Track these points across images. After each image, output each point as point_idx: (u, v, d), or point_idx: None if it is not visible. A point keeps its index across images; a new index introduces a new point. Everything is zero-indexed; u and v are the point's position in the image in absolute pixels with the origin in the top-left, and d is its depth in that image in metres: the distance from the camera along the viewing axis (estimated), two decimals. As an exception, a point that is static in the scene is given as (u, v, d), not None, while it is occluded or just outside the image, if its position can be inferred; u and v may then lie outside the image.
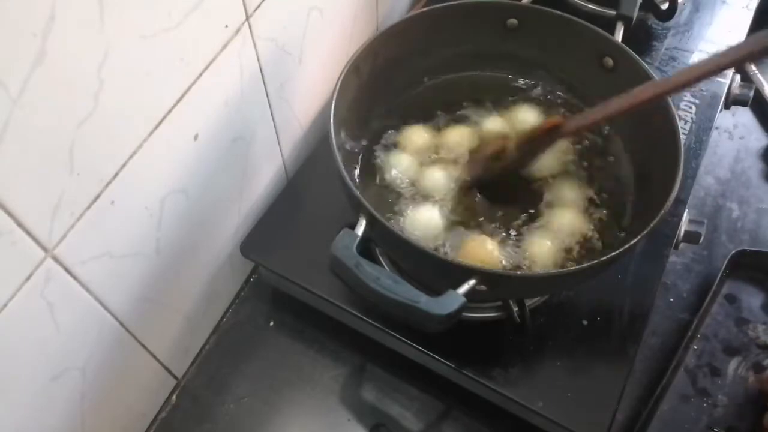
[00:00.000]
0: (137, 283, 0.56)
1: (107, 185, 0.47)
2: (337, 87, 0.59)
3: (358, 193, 0.54)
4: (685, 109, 0.80)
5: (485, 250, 0.60)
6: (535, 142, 0.61)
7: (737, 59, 0.49)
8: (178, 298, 0.64)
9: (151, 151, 0.50)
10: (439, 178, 0.65)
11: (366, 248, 0.52)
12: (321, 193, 0.72)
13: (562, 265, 0.61)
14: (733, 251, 0.78)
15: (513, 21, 0.69)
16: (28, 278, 0.43)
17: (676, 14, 0.85)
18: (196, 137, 0.56)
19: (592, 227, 0.63)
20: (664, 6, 0.85)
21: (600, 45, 0.66)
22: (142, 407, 0.66)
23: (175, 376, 0.69)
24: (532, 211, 0.64)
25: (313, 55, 0.71)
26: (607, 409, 0.59)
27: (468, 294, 0.49)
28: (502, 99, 0.72)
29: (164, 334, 0.64)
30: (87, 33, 0.40)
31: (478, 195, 0.65)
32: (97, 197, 0.46)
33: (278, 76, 0.65)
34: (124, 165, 0.48)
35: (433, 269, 0.55)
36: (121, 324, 0.56)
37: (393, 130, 0.69)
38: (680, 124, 0.59)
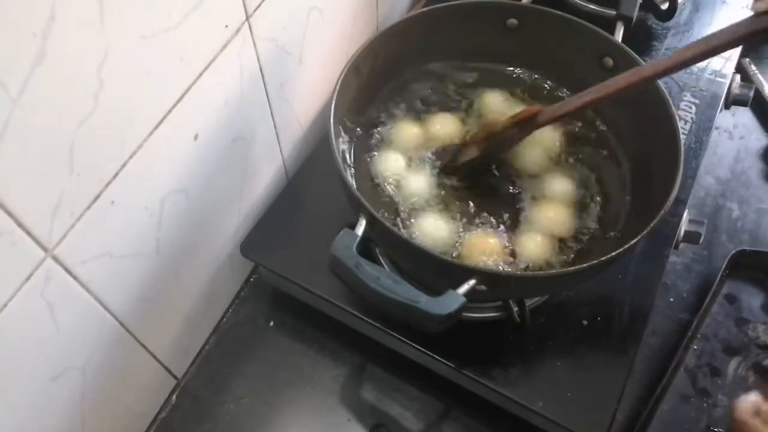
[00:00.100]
0: (137, 283, 0.56)
1: (107, 185, 0.47)
2: (337, 87, 0.59)
3: (358, 193, 0.54)
4: (685, 109, 0.80)
5: (489, 244, 0.61)
6: (512, 130, 0.62)
7: (731, 41, 0.49)
8: (178, 298, 0.64)
9: (151, 151, 0.50)
10: (422, 183, 0.65)
11: (366, 248, 0.52)
12: (321, 193, 0.72)
13: (556, 263, 0.61)
14: (733, 251, 0.78)
15: (513, 21, 0.69)
16: (28, 278, 0.43)
17: (676, 14, 0.85)
18: (196, 137, 0.56)
19: (588, 226, 0.63)
20: (664, 6, 0.85)
21: (600, 45, 0.66)
22: (142, 407, 0.66)
23: (175, 376, 0.69)
24: (524, 210, 0.64)
25: (313, 55, 0.71)
26: (607, 409, 0.59)
27: (468, 294, 0.49)
28: (501, 99, 0.72)
29: (164, 334, 0.64)
30: (87, 33, 0.40)
31: (470, 201, 0.65)
32: (97, 197, 0.46)
33: (278, 76, 0.65)
34: (124, 165, 0.48)
35: (433, 269, 0.55)
36: (121, 324, 0.56)
37: (392, 131, 0.69)
38: (680, 124, 0.59)
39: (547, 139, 0.68)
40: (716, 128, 0.91)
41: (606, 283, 0.66)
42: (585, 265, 0.53)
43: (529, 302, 0.64)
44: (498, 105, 0.71)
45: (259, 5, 0.57)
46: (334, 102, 0.59)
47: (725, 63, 0.85)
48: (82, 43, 0.40)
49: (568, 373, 0.62)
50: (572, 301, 0.66)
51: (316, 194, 0.72)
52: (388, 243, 0.58)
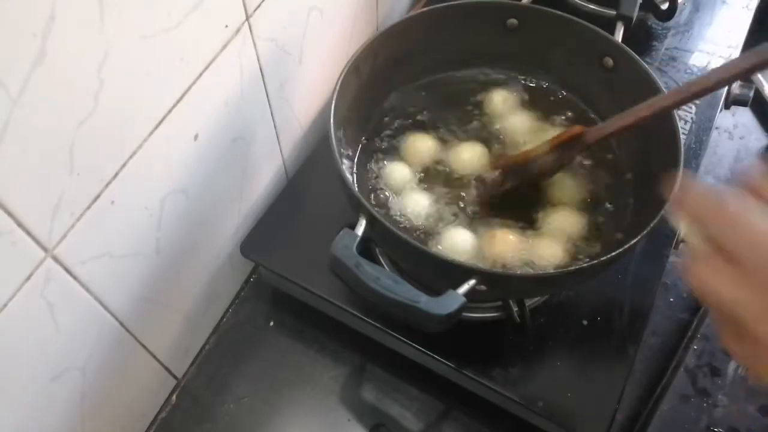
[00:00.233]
0: (137, 283, 0.56)
1: (107, 185, 0.47)
2: (337, 87, 0.59)
3: (358, 193, 0.54)
4: (685, 109, 0.80)
5: (509, 240, 0.61)
6: (557, 154, 0.61)
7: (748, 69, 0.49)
8: (178, 298, 0.64)
9: (151, 151, 0.50)
10: (423, 204, 0.64)
11: (366, 248, 0.52)
12: (321, 193, 0.72)
13: (564, 266, 0.61)
14: (733, 251, 0.78)
15: (513, 21, 0.69)
16: (28, 278, 0.43)
17: (676, 14, 0.85)
18: (196, 137, 0.56)
19: (592, 228, 0.63)
20: (664, 6, 0.85)
21: (600, 45, 0.66)
22: (142, 407, 0.66)
23: (175, 376, 0.69)
24: (533, 213, 0.64)
25: (313, 55, 0.71)
26: (607, 409, 0.59)
27: (468, 294, 0.49)
28: (501, 99, 0.72)
29: (164, 334, 0.64)
30: (87, 33, 0.40)
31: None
32: (97, 197, 0.46)
33: (278, 76, 0.65)
34: (124, 165, 0.48)
35: (433, 269, 0.55)
36: (121, 324, 0.56)
37: (393, 131, 0.69)
38: (680, 124, 0.59)
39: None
40: (716, 128, 0.91)
41: (606, 283, 0.66)
42: (585, 265, 0.53)
43: (529, 302, 0.64)
44: (501, 105, 0.71)
45: (259, 5, 0.57)
46: (334, 102, 0.59)
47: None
48: (82, 43, 0.40)
49: (568, 373, 0.62)
50: (572, 301, 0.66)
51: (316, 194, 0.72)
52: (388, 243, 0.58)
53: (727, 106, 0.83)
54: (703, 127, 0.78)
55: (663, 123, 0.59)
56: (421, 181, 0.66)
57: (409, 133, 0.69)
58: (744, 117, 0.95)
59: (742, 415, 0.70)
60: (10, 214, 0.39)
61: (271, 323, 0.73)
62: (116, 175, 0.47)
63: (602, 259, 0.52)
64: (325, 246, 0.51)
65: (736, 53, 0.86)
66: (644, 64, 0.62)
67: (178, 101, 0.51)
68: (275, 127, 0.69)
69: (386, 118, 0.70)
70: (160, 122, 0.50)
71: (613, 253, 0.52)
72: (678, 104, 0.55)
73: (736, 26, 0.89)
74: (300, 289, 0.67)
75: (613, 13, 0.78)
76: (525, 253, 0.61)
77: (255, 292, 0.75)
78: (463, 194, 0.65)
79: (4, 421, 0.47)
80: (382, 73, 0.67)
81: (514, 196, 0.64)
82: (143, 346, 0.61)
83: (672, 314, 0.77)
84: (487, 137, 0.69)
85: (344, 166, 0.59)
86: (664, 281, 0.77)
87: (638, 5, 0.77)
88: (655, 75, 0.62)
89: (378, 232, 0.53)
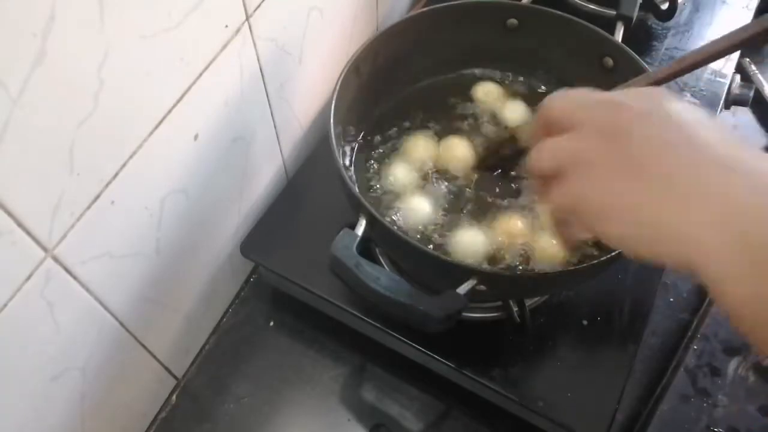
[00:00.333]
0: (137, 283, 0.56)
1: (107, 185, 0.47)
2: (337, 87, 0.59)
3: (358, 193, 0.54)
4: (685, 109, 0.80)
5: (517, 227, 0.62)
6: None
7: (739, 42, 0.49)
8: (178, 298, 0.64)
9: (151, 151, 0.50)
10: (424, 207, 0.64)
11: (366, 248, 0.52)
12: (321, 193, 0.72)
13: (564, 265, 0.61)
14: (733, 251, 0.78)
15: (513, 21, 0.69)
16: (28, 278, 0.43)
17: (676, 14, 0.85)
18: (196, 137, 0.56)
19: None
20: (664, 6, 0.85)
21: (600, 45, 0.66)
22: (142, 407, 0.66)
23: (175, 376, 0.69)
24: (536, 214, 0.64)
25: (313, 55, 0.71)
26: (607, 409, 0.59)
27: (468, 294, 0.49)
28: (502, 99, 0.72)
29: (164, 334, 0.64)
30: (87, 33, 0.40)
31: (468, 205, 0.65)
32: (97, 197, 0.46)
33: (278, 76, 0.65)
34: (124, 165, 0.48)
35: (433, 269, 0.55)
36: (121, 324, 0.56)
37: (393, 131, 0.69)
38: (680, 124, 0.59)
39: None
40: (716, 128, 0.91)
41: (606, 283, 0.66)
42: (585, 265, 0.53)
43: (529, 302, 0.64)
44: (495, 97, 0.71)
45: (259, 5, 0.57)
46: (334, 102, 0.59)
47: (725, 63, 0.85)
48: (82, 43, 0.40)
49: (568, 373, 0.62)
50: (572, 301, 0.66)
51: (316, 194, 0.72)
52: (388, 243, 0.58)
53: (727, 106, 0.83)
54: (703, 127, 0.78)
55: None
56: (422, 179, 0.66)
57: (409, 133, 0.69)
58: (744, 117, 0.95)
59: (742, 415, 0.70)
60: (10, 214, 0.39)
61: (271, 323, 0.73)
62: (116, 175, 0.47)
63: (602, 259, 0.52)
64: (325, 246, 0.51)
65: (735, 54, 0.86)
66: (644, 64, 0.62)
67: (178, 101, 0.51)
68: (275, 127, 0.69)
69: (386, 118, 0.70)
70: (160, 122, 0.50)
71: (613, 253, 0.52)
72: (678, 73, 0.52)
73: (736, 26, 0.89)
74: (300, 289, 0.67)
75: (613, 13, 0.78)
76: (527, 245, 0.61)
77: (255, 292, 0.75)
78: (466, 190, 0.65)
79: (4, 421, 0.47)
80: (382, 73, 0.67)
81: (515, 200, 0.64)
82: (143, 346, 0.61)
83: (672, 314, 0.77)
84: (486, 134, 0.69)
85: (344, 166, 0.59)
86: (664, 281, 0.77)
87: (638, 5, 0.77)
88: (655, 75, 0.61)
89: (378, 232, 0.53)
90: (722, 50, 0.49)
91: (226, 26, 0.54)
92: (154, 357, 0.64)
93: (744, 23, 0.49)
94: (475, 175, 0.66)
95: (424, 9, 0.68)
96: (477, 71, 0.73)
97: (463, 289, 0.49)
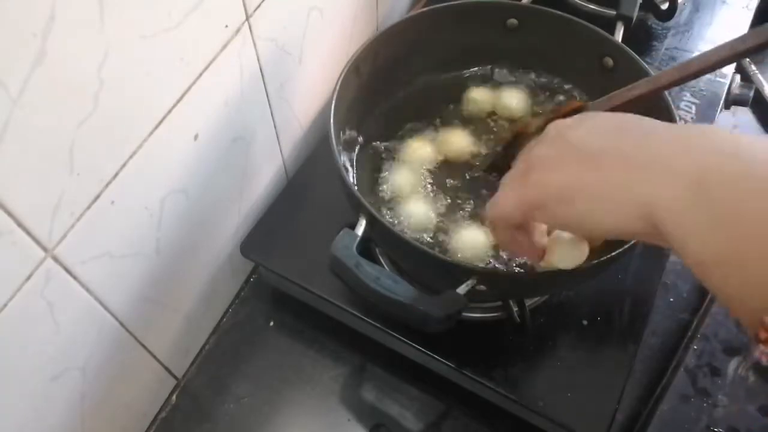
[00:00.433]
0: (137, 283, 0.56)
1: (107, 185, 0.47)
2: (337, 87, 0.59)
3: (358, 193, 0.54)
4: (685, 109, 0.80)
5: None
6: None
7: (743, 51, 0.49)
8: (178, 298, 0.64)
9: (151, 151, 0.50)
10: (424, 212, 0.64)
11: (366, 248, 0.52)
12: (321, 193, 0.72)
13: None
14: (733, 251, 0.78)
15: (513, 21, 0.69)
16: (28, 278, 0.43)
17: (676, 14, 0.85)
18: (196, 137, 0.56)
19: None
20: (664, 6, 0.85)
21: (600, 45, 0.66)
22: (142, 407, 0.66)
23: (175, 376, 0.69)
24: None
25: (313, 55, 0.71)
26: (607, 409, 0.59)
27: (468, 294, 0.49)
28: (502, 99, 0.72)
29: (164, 334, 0.64)
30: (87, 33, 0.40)
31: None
32: (97, 197, 0.46)
33: (278, 76, 0.65)
34: (124, 165, 0.48)
35: (433, 269, 0.55)
36: (121, 324, 0.56)
37: (393, 131, 0.69)
38: (680, 123, 0.59)
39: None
40: (716, 128, 0.91)
41: (606, 283, 0.66)
42: (585, 265, 0.53)
43: (529, 302, 0.64)
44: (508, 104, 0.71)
45: (259, 5, 0.57)
46: (334, 102, 0.59)
47: (725, 63, 0.85)
48: (82, 43, 0.40)
49: (568, 373, 0.62)
50: (572, 301, 0.66)
51: (316, 194, 0.72)
52: (388, 243, 0.58)
53: (727, 106, 0.83)
54: (703, 127, 0.78)
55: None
56: (423, 178, 0.66)
57: (409, 134, 0.69)
58: (744, 117, 0.95)
59: (742, 415, 0.70)
60: (10, 214, 0.39)
61: (271, 323, 0.73)
62: (116, 175, 0.47)
63: (602, 259, 0.52)
64: (325, 246, 0.51)
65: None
66: (644, 64, 0.62)
67: (178, 101, 0.51)
68: (275, 127, 0.69)
69: (386, 118, 0.70)
70: (160, 122, 0.50)
71: (613, 253, 0.52)
72: (678, 82, 0.53)
73: (736, 26, 0.89)
74: (300, 289, 0.67)
75: (613, 13, 0.78)
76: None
77: (255, 292, 0.75)
78: (466, 187, 0.66)
79: (4, 421, 0.47)
80: (382, 73, 0.67)
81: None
82: (143, 346, 0.61)
83: (672, 314, 0.77)
84: (485, 131, 0.70)
85: (344, 166, 0.59)
86: (664, 281, 0.77)
87: (638, 5, 0.77)
88: (655, 75, 0.62)
89: (378, 232, 0.53)
90: (725, 59, 0.49)
91: (226, 26, 0.54)
92: (154, 357, 0.64)
93: (744, 24, 0.49)
94: (476, 174, 0.67)
95: (424, 9, 0.68)
96: (477, 71, 0.73)
97: (463, 289, 0.49)
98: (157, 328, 0.62)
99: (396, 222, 0.63)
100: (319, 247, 0.54)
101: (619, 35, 0.76)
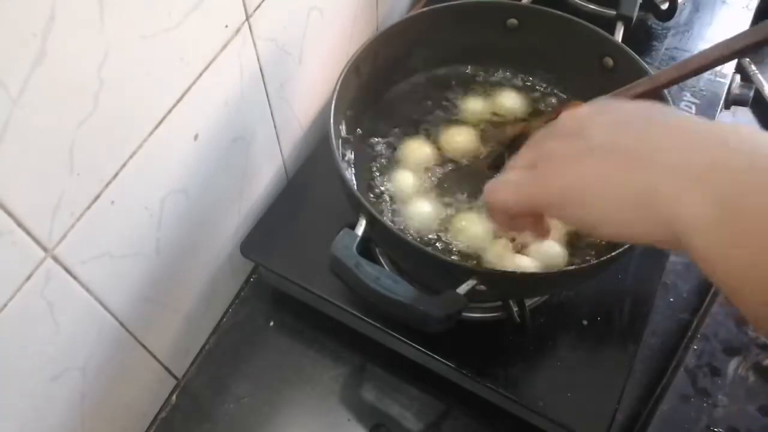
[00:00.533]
0: (137, 283, 0.56)
1: (107, 185, 0.47)
2: (337, 87, 0.59)
3: (358, 193, 0.54)
4: (685, 109, 0.80)
5: None
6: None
7: (742, 49, 0.49)
8: (178, 298, 0.64)
9: (151, 151, 0.50)
10: (424, 211, 0.64)
11: (366, 248, 0.52)
12: (321, 193, 0.72)
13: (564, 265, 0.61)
14: (733, 251, 0.78)
15: (513, 21, 0.69)
16: (28, 278, 0.43)
17: (676, 14, 0.85)
18: (196, 137, 0.56)
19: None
20: (664, 6, 0.85)
21: (600, 45, 0.66)
22: (142, 407, 0.66)
23: (175, 376, 0.69)
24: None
25: (313, 55, 0.71)
26: (607, 409, 0.59)
27: (468, 294, 0.49)
28: (501, 99, 0.72)
29: (164, 334, 0.64)
30: (87, 33, 0.40)
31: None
32: (97, 197, 0.46)
33: (278, 76, 0.65)
34: (124, 165, 0.48)
35: (433, 269, 0.55)
36: (121, 324, 0.56)
37: (392, 131, 0.69)
38: (680, 124, 0.59)
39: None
40: (716, 128, 0.91)
41: (606, 283, 0.66)
42: (585, 265, 0.53)
43: (529, 302, 0.64)
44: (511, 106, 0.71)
45: (259, 5, 0.57)
46: (334, 102, 0.59)
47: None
48: (82, 43, 0.40)
49: (568, 373, 0.62)
50: (572, 301, 0.66)
51: (316, 194, 0.72)
52: (388, 243, 0.58)
53: (727, 106, 0.83)
54: (703, 127, 0.78)
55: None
56: (423, 177, 0.66)
57: (409, 133, 0.69)
58: (744, 117, 0.95)
59: (742, 415, 0.70)
60: (10, 214, 0.39)
61: (271, 323, 0.73)
62: (116, 175, 0.47)
63: (602, 259, 0.52)
64: (325, 246, 0.51)
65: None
66: (644, 64, 0.62)
67: (178, 101, 0.51)
68: (275, 127, 0.69)
69: (386, 118, 0.70)
70: (160, 122, 0.50)
71: (613, 253, 0.52)
72: (677, 80, 0.53)
73: (736, 26, 0.89)
74: (300, 289, 0.67)
75: (613, 13, 0.78)
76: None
77: (255, 292, 0.75)
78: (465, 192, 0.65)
79: (4, 421, 0.47)
80: (382, 73, 0.67)
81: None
82: (143, 346, 0.61)
83: (672, 314, 0.77)
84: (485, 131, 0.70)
85: (344, 166, 0.59)
86: (664, 281, 0.77)
87: (638, 5, 0.77)
88: (655, 75, 0.62)
89: (378, 232, 0.53)
90: (723, 57, 0.48)
91: (226, 26, 0.54)
92: (154, 357, 0.64)
93: (744, 24, 0.49)
94: (481, 171, 0.66)
95: (424, 9, 0.68)
96: (477, 71, 0.73)
97: (463, 289, 0.49)
98: (157, 328, 0.62)
99: (396, 222, 0.63)
100: (319, 247, 0.54)
101: (619, 35, 0.76)
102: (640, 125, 0.37)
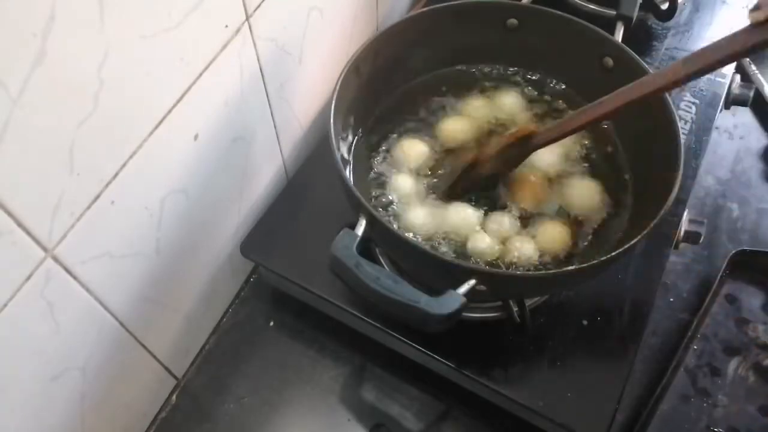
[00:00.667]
0: (137, 283, 0.56)
1: (107, 185, 0.47)
2: (337, 87, 0.59)
3: (358, 193, 0.54)
4: (685, 109, 0.80)
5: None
6: (509, 151, 0.61)
7: (735, 53, 0.49)
8: (178, 298, 0.64)
9: (151, 151, 0.50)
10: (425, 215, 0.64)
11: (366, 248, 0.52)
12: (321, 193, 0.72)
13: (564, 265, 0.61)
14: (733, 251, 0.78)
15: (513, 21, 0.69)
16: (28, 278, 0.43)
17: (676, 14, 0.85)
18: (196, 137, 0.56)
19: (592, 227, 0.63)
20: (664, 6, 0.85)
21: (600, 45, 0.66)
22: (142, 407, 0.66)
23: (175, 376, 0.69)
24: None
25: (313, 55, 0.71)
26: (607, 409, 0.59)
27: (468, 294, 0.49)
28: (501, 99, 0.72)
29: (164, 334, 0.64)
30: (87, 33, 0.40)
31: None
32: (97, 197, 0.46)
33: (278, 76, 0.65)
34: (124, 165, 0.48)
35: (433, 269, 0.55)
36: (121, 324, 0.56)
37: (393, 131, 0.69)
38: (680, 124, 0.59)
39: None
40: (716, 128, 0.91)
41: (606, 283, 0.66)
42: (585, 265, 0.53)
43: (529, 302, 0.64)
44: (512, 106, 0.71)
45: (259, 5, 0.57)
46: (334, 102, 0.59)
47: (725, 63, 0.85)
48: (82, 43, 0.40)
49: (568, 373, 0.62)
50: (572, 301, 0.66)
51: (316, 194, 0.72)
52: (388, 243, 0.58)
53: (727, 106, 0.83)
54: (704, 127, 0.78)
55: (663, 123, 0.59)
56: (423, 178, 0.66)
57: (409, 134, 0.69)
58: (744, 117, 0.95)
59: (742, 415, 0.70)
60: (10, 214, 0.39)
61: (271, 323, 0.73)
62: (116, 175, 0.47)
63: (602, 259, 0.52)
64: (325, 246, 0.51)
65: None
66: (644, 64, 0.62)
67: (178, 101, 0.51)
68: (275, 127, 0.69)
69: (386, 118, 0.70)
70: (160, 122, 0.50)
71: (613, 253, 0.52)
72: (675, 84, 0.53)
73: (736, 26, 0.88)
74: (300, 289, 0.67)
75: (613, 13, 0.78)
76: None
77: (255, 292, 0.75)
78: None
79: (4, 420, 0.47)
80: (382, 73, 0.67)
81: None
82: (143, 346, 0.61)
83: (672, 314, 0.77)
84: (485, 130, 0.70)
85: (344, 166, 0.59)
86: (664, 281, 0.77)
87: (638, 5, 0.77)
88: (655, 75, 0.62)
89: (378, 232, 0.53)
90: (726, 57, 0.48)
91: (226, 26, 0.54)
92: (154, 357, 0.64)
93: (744, 24, 0.49)
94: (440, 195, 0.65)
95: (424, 9, 0.68)
96: (477, 71, 0.73)
97: (463, 289, 0.49)
98: (157, 328, 0.62)
99: (396, 221, 0.63)
100: (319, 247, 0.54)
101: (619, 35, 0.76)
102: None
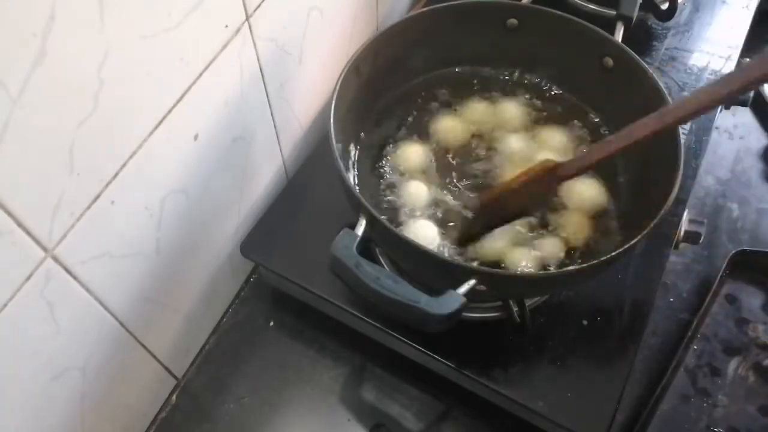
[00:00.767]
0: (137, 283, 0.56)
1: (107, 185, 0.47)
2: (337, 87, 0.59)
3: (358, 193, 0.54)
4: (685, 109, 0.80)
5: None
6: (534, 188, 0.58)
7: (746, 84, 0.47)
8: (178, 298, 0.64)
9: (151, 151, 0.50)
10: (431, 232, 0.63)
11: (366, 248, 0.52)
12: (321, 193, 0.72)
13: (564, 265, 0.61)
14: (733, 251, 0.78)
15: (513, 21, 0.69)
16: (28, 278, 0.43)
17: (676, 14, 0.85)
18: (196, 137, 0.56)
19: (592, 228, 0.63)
20: (664, 6, 0.85)
21: (600, 45, 0.66)
22: (142, 407, 0.66)
23: (175, 376, 0.69)
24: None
25: (313, 55, 0.71)
26: (607, 409, 0.59)
27: (468, 294, 0.49)
28: (501, 98, 0.72)
29: (164, 334, 0.64)
30: (87, 33, 0.40)
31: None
32: (97, 197, 0.46)
33: (278, 76, 0.65)
34: (124, 165, 0.48)
35: (433, 269, 0.55)
36: (121, 324, 0.56)
37: (393, 131, 0.69)
38: (680, 124, 0.59)
39: (556, 141, 0.68)
40: (716, 128, 0.92)
41: (606, 283, 0.66)
42: (585, 265, 0.53)
43: (529, 302, 0.64)
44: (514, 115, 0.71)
45: (259, 5, 0.57)
46: (334, 102, 0.59)
47: (725, 63, 0.85)
48: (82, 43, 0.40)
49: (568, 373, 0.62)
50: (572, 301, 0.66)
51: (316, 194, 0.72)
52: (388, 243, 0.58)
53: (727, 106, 0.83)
54: (703, 127, 0.78)
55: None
56: (423, 177, 0.66)
57: (409, 134, 0.69)
58: (744, 117, 0.95)
59: (742, 415, 0.70)
60: (10, 214, 0.39)
61: (271, 323, 0.73)
62: (116, 175, 0.47)
63: (602, 259, 0.52)
64: (325, 246, 0.51)
65: (736, 53, 0.86)
66: (644, 64, 0.62)
67: (178, 101, 0.51)
68: (275, 127, 0.69)
69: (386, 118, 0.70)
70: (160, 122, 0.50)
71: (613, 253, 0.52)
72: (658, 132, 0.51)
73: (736, 26, 0.89)
74: (300, 289, 0.67)
75: (613, 13, 0.78)
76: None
77: (255, 292, 0.75)
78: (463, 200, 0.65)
79: (4, 420, 0.47)
80: (381, 73, 0.67)
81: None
82: (143, 346, 0.61)
83: (672, 314, 0.77)
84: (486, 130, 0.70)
85: (344, 166, 0.59)
86: (664, 281, 0.77)
87: (638, 5, 0.77)
88: (655, 75, 0.62)
89: (378, 232, 0.53)
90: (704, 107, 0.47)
91: (226, 26, 0.54)
92: (154, 357, 0.64)
93: (744, 24, 0.48)
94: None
95: (424, 9, 0.68)
96: (477, 71, 0.73)
97: (463, 289, 0.49)
98: (157, 328, 0.62)
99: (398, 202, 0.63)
100: (319, 247, 0.54)
101: (619, 35, 0.76)
102: None
